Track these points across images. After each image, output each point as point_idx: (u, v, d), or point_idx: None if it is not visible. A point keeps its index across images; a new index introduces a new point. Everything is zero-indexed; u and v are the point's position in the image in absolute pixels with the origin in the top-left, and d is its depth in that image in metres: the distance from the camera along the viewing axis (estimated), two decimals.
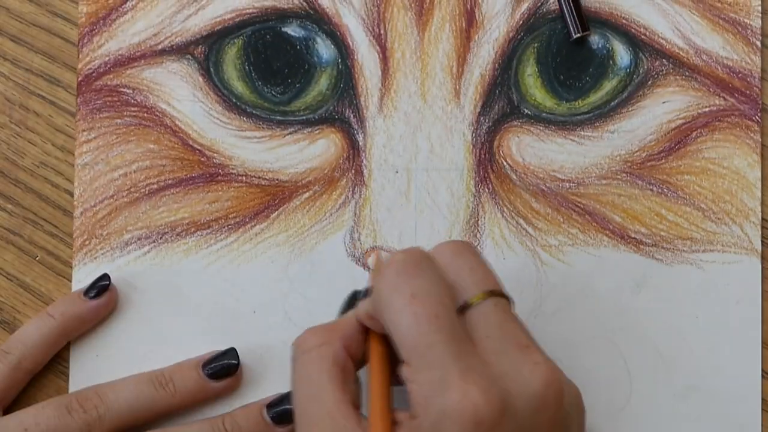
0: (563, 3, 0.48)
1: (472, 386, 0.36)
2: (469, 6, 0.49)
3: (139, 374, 0.47)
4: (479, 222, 0.49)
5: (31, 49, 0.51)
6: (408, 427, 0.37)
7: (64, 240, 0.49)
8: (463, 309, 0.39)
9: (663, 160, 0.49)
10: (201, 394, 0.47)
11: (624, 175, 0.49)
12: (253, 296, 0.48)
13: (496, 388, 0.36)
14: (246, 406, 0.46)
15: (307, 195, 0.49)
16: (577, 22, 0.48)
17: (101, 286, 0.48)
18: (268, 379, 0.48)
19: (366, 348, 0.41)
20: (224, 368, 0.47)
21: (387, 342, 0.40)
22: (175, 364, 0.47)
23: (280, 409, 0.46)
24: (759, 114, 0.49)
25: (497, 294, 0.39)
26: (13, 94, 0.51)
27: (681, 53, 0.49)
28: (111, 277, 0.48)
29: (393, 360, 0.40)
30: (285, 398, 0.46)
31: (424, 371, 0.37)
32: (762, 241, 0.48)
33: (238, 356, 0.47)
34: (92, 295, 0.47)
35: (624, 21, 0.49)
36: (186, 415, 0.47)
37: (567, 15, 0.48)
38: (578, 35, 0.48)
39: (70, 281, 0.49)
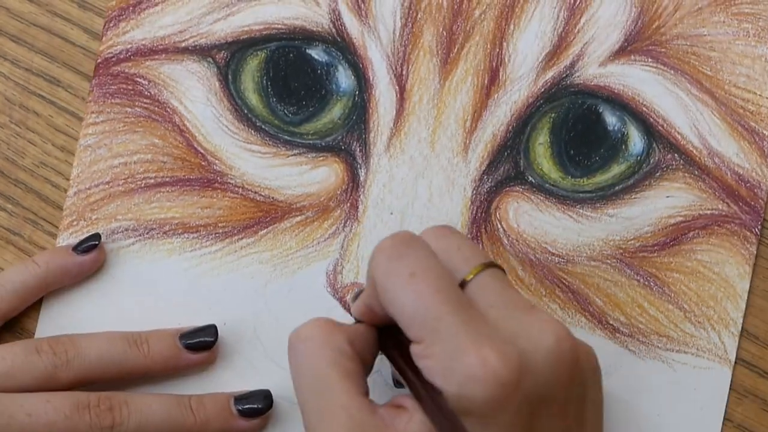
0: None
1: (487, 350, 0.35)
2: (494, 64, 0.49)
3: (115, 331, 0.47)
4: None
5: (31, 49, 0.51)
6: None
7: None
8: (461, 286, 0.38)
9: (655, 254, 0.48)
10: (173, 361, 0.46)
11: (614, 260, 0.48)
12: (226, 308, 0.48)
13: (510, 348, 0.36)
14: (214, 394, 0.46)
15: (299, 219, 0.49)
16: None
17: (90, 245, 0.48)
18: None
19: (377, 345, 0.41)
20: (200, 344, 0.47)
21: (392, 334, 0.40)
22: (153, 329, 0.47)
23: (248, 407, 0.46)
24: (759, 226, 0.48)
25: (491, 265, 0.39)
26: (13, 94, 0.50)
27: (694, 151, 0.49)
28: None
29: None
30: (253, 396, 0.46)
31: (437, 344, 0.36)
32: (737, 354, 0.48)
33: (216, 334, 0.47)
34: (81, 250, 0.48)
35: (644, 108, 0.49)
36: (155, 385, 0.47)
37: None
38: None
39: None
